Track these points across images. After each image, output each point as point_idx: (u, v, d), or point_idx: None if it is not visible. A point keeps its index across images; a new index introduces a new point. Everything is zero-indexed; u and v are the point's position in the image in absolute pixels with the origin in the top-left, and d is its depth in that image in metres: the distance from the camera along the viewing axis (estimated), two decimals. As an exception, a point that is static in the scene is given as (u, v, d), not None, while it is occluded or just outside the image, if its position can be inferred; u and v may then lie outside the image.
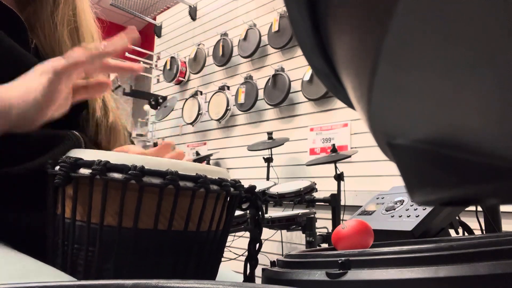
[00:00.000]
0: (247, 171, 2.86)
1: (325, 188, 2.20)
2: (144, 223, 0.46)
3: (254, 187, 0.58)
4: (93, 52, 0.52)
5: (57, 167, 0.47)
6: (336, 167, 1.97)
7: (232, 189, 0.53)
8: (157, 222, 0.46)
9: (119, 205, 0.45)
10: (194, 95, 3.26)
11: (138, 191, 0.45)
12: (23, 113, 0.49)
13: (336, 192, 1.95)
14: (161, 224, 0.47)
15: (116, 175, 0.45)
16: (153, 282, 0.23)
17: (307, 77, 2.48)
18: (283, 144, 2.35)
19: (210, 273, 0.55)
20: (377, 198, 1.18)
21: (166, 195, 0.46)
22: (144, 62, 3.99)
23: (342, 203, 2.00)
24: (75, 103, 0.57)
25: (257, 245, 0.59)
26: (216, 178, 0.50)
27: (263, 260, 2.25)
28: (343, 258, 0.44)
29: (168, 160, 0.49)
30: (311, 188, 1.94)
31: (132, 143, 0.77)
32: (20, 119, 0.49)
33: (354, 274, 0.43)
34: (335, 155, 1.94)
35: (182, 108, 3.32)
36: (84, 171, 0.46)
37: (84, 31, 0.69)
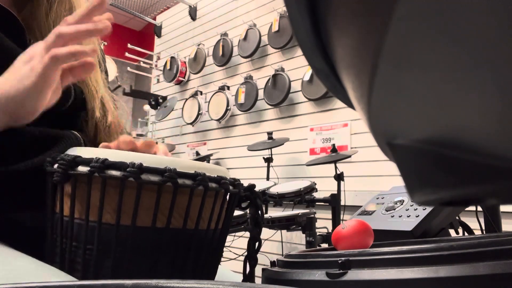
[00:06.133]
0: (247, 171, 2.86)
1: (325, 188, 2.20)
2: (143, 221, 0.46)
3: (253, 185, 0.58)
4: (73, 17, 0.52)
5: (56, 165, 0.47)
6: (336, 167, 1.97)
7: (231, 187, 0.53)
8: (155, 219, 0.46)
9: (117, 203, 0.45)
10: (194, 95, 3.26)
11: (136, 189, 0.45)
12: (21, 101, 0.50)
13: (336, 192, 1.95)
14: (160, 222, 0.47)
15: (115, 173, 0.45)
16: (153, 282, 0.23)
17: (307, 77, 2.48)
18: (283, 144, 2.35)
19: (209, 271, 0.55)
20: (377, 198, 1.18)
21: (164, 193, 0.46)
22: (144, 62, 3.99)
23: (342, 203, 2.00)
24: (64, 89, 0.56)
25: (257, 244, 0.59)
26: (215, 176, 0.50)
27: (263, 260, 2.25)
28: (343, 258, 0.44)
29: (167, 158, 0.49)
30: (311, 188, 1.94)
31: None
32: (20, 109, 0.50)
33: (354, 274, 0.43)
34: (335, 155, 1.94)
35: (182, 108, 3.32)
36: (83, 168, 0.46)
37: None
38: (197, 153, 2.96)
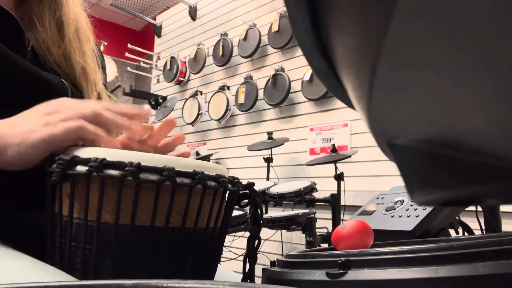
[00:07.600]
0: (247, 171, 2.86)
1: (325, 188, 2.20)
2: (141, 220, 0.46)
3: (252, 183, 0.58)
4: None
5: (54, 165, 0.47)
6: (336, 167, 1.97)
7: (230, 185, 0.53)
8: (154, 219, 0.46)
9: (116, 202, 0.45)
10: (194, 95, 3.26)
11: (135, 188, 0.45)
12: (20, 154, 0.46)
13: (336, 192, 1.95)
14: (158, 221, 0.47)
15: (113, 172, 0.45)
16: (153, 282, 0.23)
17: (307, 77, 2.48)
18: (283, 144, 2.35)
19: (209, 270, 0.55)
20: (377, 198, 1.18)
21: (163, 192, 0.47)
22: (144, 62, 3.99)
23: (342, 203, 2.00)
24: None
25: (256, 242, 0.59)
26: (214, 174, 0.50)
27: (263, 260, 2.25)
28: (343, 258, 0.44)
29: (166, 156, 0.49)
30: (311, 188, 1.94)
31: None
32: (15, 160, 0.46)
33: (354, 274, 0.43)
34: (335, 155, 1.94)
35: (182, 108, 3.32)
36: (81, 168, 0.46)
37: (80, 29, 0.70)
38: (197, 153, 2.96)
